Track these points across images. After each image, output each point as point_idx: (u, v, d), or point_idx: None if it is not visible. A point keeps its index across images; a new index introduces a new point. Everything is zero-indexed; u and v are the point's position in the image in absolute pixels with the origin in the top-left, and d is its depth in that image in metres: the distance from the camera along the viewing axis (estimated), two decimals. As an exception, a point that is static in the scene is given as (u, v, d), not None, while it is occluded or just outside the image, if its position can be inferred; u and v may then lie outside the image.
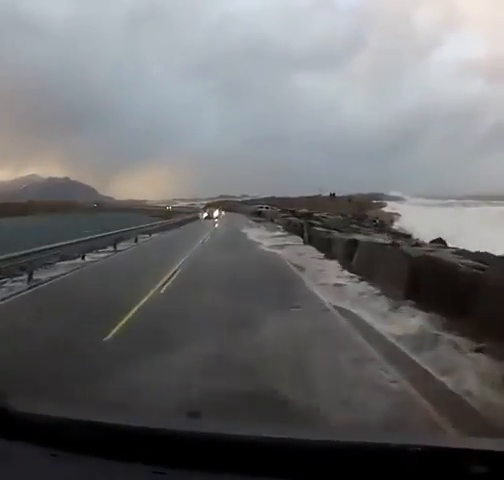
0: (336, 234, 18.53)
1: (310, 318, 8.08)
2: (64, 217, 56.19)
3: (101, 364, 5.66)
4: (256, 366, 5.48)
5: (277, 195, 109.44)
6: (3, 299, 10.28)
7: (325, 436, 1.32)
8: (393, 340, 6.79)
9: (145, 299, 9.76)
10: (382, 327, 7.50)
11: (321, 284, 11.57)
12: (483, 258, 9.25)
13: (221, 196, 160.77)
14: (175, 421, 1.49)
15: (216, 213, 56.53)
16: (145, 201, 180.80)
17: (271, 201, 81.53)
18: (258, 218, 52.54)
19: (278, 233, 31.25)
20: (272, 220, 45.89)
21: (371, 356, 6.07)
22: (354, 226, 30.41)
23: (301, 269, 14.30)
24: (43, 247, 16.53)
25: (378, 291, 10.23)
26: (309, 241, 22.68)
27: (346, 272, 13.11)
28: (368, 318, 8.13)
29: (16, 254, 12.74)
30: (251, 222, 46.87)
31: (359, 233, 20.28)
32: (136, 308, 8.86)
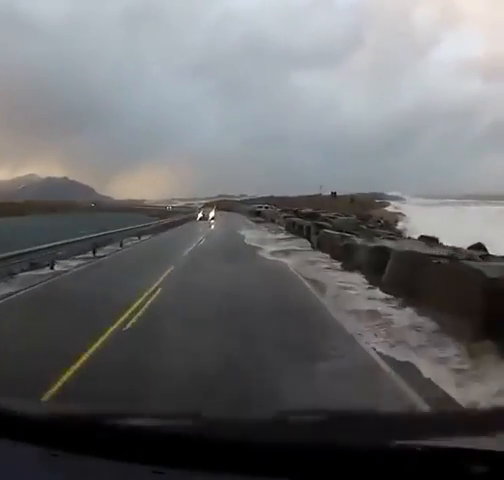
0: (354, 239, 15.51)
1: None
2: (60, 217, 53.68)
3: None
4: None
5: (276, 194, 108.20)
6: None
7: (325, 436, 1.25)
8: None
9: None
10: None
11: (351, 311, 8.55)
12: None
13: (220, 195, 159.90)
14: (175, 421, 1.42)
15: (212, 213, 52.59)
16: (143, 201, 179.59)
17: (270, 200, 79.45)
18: (257, 218, 50.01)
19: (281, 235, 28.27)
20: (273, 220, 43.31)
21: None
22: (363, 227, 27.75)
23: (318, 287, 11.20)
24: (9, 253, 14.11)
25: (435, 325, 7.32)
26: (318, 246, 19.79)
27: (378, 291, 10.10)
28: (453, 391, 4.92)
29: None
30: (250, 222, 44.41)
31: (378, 237, 17.26)
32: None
